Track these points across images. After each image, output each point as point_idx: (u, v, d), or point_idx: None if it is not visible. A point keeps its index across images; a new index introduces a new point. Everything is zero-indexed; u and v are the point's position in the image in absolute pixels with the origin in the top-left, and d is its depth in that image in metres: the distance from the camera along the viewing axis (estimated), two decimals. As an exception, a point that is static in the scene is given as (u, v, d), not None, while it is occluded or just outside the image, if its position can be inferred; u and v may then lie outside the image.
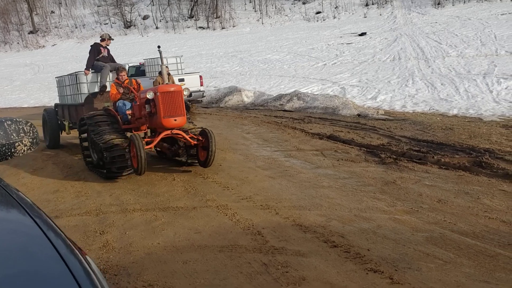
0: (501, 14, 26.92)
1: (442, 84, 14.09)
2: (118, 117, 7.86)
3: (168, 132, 6.91)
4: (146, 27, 46.50)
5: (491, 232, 4.18)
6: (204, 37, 39.02)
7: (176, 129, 7.02)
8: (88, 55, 9.87)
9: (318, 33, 31.98)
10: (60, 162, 9.15)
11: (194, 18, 46.15)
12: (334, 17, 39.25)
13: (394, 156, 7.18)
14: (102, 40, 10.21)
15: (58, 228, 1.47)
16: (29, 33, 49.60)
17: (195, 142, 7.10)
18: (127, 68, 12.75)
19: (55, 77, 11.45)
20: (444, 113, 11.17)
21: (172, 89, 6.87)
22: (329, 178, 6.40)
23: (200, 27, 44.38)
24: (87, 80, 9.56)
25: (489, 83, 13.28)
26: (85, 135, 8.24)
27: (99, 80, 9.55)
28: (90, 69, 9.67)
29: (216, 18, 44.52)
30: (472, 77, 14.19)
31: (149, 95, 6.81)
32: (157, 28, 46.09)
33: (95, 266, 1.45)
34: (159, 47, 7.61)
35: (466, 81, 13.94)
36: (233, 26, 42.76)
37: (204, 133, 7.09)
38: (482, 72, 14.57)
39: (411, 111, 12.04)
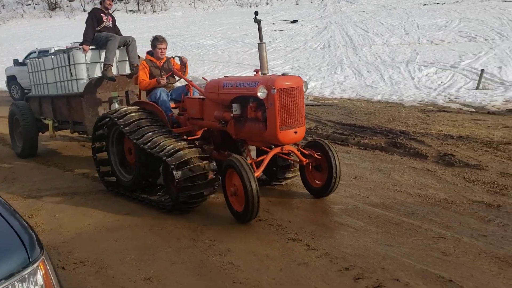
0: (423, 4, 28.40)
1: (368, 72, 14.81)
2: (165, 114, 5.53)
3: (279, 149, 4.67)
4: (73, 10, 44.72)
5: (398, 203, 4.64)
6: (134, 21, 38.13)
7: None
8: (85, 25, 7.08)
9: (251, 19, 32.17)
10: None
11: (124, 1, 44.93)
12: (267, 4, 39.68)
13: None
14: (103, 3, 7.36)
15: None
16: None
17: (307, 160, 4.93)
18: (52, 51, 9.52)
19: (26, 60, 8.43)
20: (369, 99, 11.82)
21: (291, 83, 4.36)
22: (257, 159, 6.71)
23: (130, 10, 43.29)
24: (86, 60, 6.85)
25: (411, 70, 14.12)
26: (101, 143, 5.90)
27: (104, 58, 6.85)
28: (90, 44, 6.94)
29: (147, 1, 43.61)
30: (396, 65, 15.00)
31: (261, 93, 4.26)
32: (84, 10, 44.39)
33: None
34: (256, 13, 4.84)
35: (390, 68, 14.73)
36: (165, 10, 42.11)
37: (318, 145, 4.92)
38: (405, 60, 15.43)
39: (339, 97, 12.60)
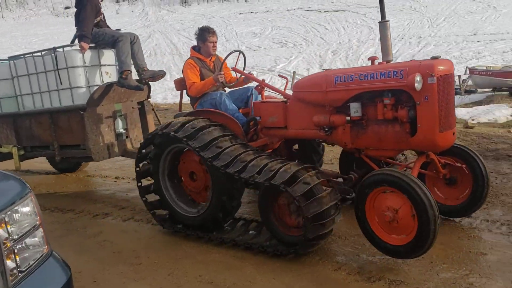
0: (239, 14, 30.77)
1: (195, 77, 15.86)
2: (239, 125, 4.21)
3: (424, 158, 3.66)
4: None
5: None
6: None
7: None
8: (79, 14, 5.34)
9: (71, 28, 30.87)
10: None
11: None
12: (86, 13, 38.61)
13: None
14: None
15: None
16: None
17: (444, 172, 3.92)
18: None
19: None
20: (200, 101, 12.82)
21: (447, 68, 3.38)
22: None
23: None
24: (84, 62, 5.23)
25: (235, 73, 15.53)
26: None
27: (118, 61, 5.35)
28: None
29: None
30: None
31: (418, 84, 3.22)
32: None
33: None
34: None
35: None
36: (-32, 21, 38.15)
37: (456, 152, 3.91)
38: (228, 66, 16.85)
39: (172, 102, 13.41)
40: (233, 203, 3.94)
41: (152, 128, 5.74)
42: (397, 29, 20.60)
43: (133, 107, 5.66)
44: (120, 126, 5.52)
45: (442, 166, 3.86)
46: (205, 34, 4.65)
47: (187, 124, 3.94)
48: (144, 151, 4.30)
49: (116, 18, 34.50)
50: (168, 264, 3.56)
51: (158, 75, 5.60)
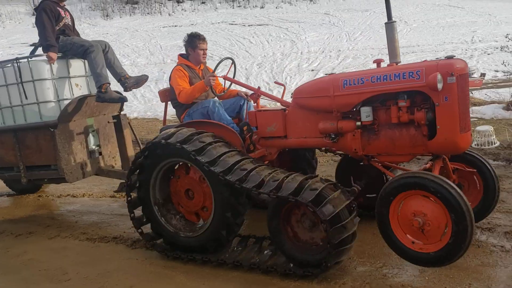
0: (163, 27, 30.51)
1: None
2: (238, 136, 4.01)
3: (441, 161, 3.54)
4: None
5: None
6: None
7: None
8: (37, 23, 4.97)
9: (-3, 40, 29.62)
10: None
11: None
12: (-2, 26, 36.68)
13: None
14: None
15: None
16: None
17: (454, 177, 3.77)
18: None
19: None
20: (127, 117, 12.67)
21: (464, 67, 3.28)
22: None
23: None
24: (52, 73, 4.76)
25: (161, 88, 15.51)
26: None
27: (93, 75, 4.91)
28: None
29: None
30: (147, 84, 16.12)
31: (440, 84, 3.09)
32: None
33: None
34: None
35: (141, 87, 15.82)
36: None
37: (465, 158, 3.83)
38: (154, 79, 16.79)
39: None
40: (237, 220, 3.65)
41: (130, 143, 5.43)
42: (318, 43, 21.41)
43: (108, 122, 5.26)
44: (92, 142, 5.14)
45: (452, 171, 3.70)
46: (195, 40, 4.49)
47: (196, 137, 3.62)
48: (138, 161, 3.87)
49: (32, 32, 32.98)
50: (98, 278, 3.57)
51: (142, 80, 5.24)
